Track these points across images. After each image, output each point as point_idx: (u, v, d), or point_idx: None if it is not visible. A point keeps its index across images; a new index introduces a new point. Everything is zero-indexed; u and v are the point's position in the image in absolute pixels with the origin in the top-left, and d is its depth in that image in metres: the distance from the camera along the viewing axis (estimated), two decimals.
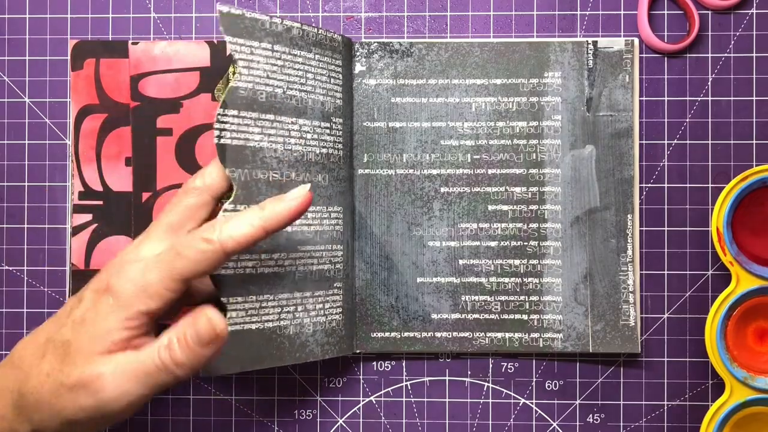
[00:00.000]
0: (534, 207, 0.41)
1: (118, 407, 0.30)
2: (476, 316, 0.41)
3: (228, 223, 0.32)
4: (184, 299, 0.36)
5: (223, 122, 0.35)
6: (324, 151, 0.39)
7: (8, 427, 0.32)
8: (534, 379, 0.42)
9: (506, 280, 0.41)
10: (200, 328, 0.31)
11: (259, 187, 0.36)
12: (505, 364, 0.42)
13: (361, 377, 0.42)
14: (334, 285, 0.39)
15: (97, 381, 0.30)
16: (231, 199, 0.35)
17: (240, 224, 0.32)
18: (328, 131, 0.39)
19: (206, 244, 0.31)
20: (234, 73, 0.36)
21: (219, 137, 0.35)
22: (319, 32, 0.39)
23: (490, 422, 0.42)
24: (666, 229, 0.42)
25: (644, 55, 0.42)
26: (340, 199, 0.40)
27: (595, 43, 0.41)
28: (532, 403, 0.42)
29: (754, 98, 0.42)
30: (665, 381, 0.42)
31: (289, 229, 0.37)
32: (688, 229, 0.42)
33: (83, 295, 0.32)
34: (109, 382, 0.30)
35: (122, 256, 0.33)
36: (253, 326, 0.36)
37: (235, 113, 0.35)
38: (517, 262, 0.42)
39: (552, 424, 0.42)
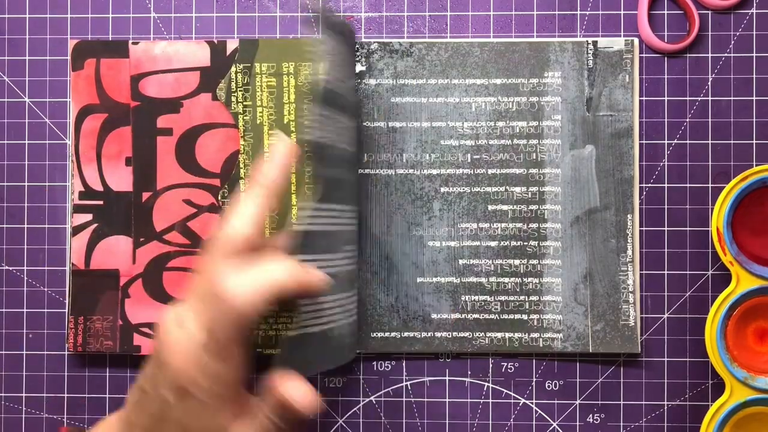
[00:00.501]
0: (534, 207, 0.42)
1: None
2: (476, 316, 0.41)
3: (252, 281, 0.31)
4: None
5: (310, 119, 0.34)
6: (354, 150, 0.39)
7: None
8: (534, 379, 0.42)
9: (506, 280, 0.41)
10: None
11: (336, 185, 0.36)
12: (505, 364, 0.42)
13: (361, 377, 0.42)
14: (355, 285, 0.39)
15: None
16: (319, 197, 0.34)
17: (265, 284, 0.31)
18: (355, 131, 0.39)
19: (233, 314, 0.30)
20: (238, 72, 0.36)
21: (305, 133, 0.34)
22: (352, 30, 0.39)
23: (490, 422, 0.42)
24: (666, 229, 0.42)
25: (644, 55, 0.42)
26: (356, 198, 0.40)
27: (595, 43, 0.41)
28: (532, 403, 0.42)
29: (754, 98, 0.42)
30: (665, 381, 0.42)
31: (339, 228, 0.36)
32: (688, 229, 0.42)
33: (164, 395, 0.31)
34: None
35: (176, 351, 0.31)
36: (315, 329, 0.35)
37: (319, 110, 0.34)
38: (517, 262, 0.42)
39: (552, 424, 0.42)
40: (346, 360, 0.38)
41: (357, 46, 0.41)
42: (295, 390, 0.31)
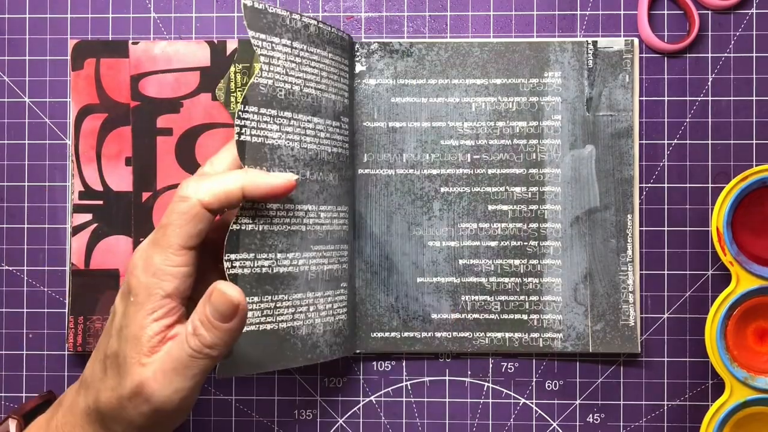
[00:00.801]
0: (534, 207, 0.42)
1: (172, 406, 0.31)
2: (476, 316, 0.41)
3: (208, 179, 0.32)
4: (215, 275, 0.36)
5: (243, 119, 0.35)
6: (335, 150, 0.39)
7: None
8: (534, 379, 0.42)
9: (506, 280, 0.41)
10: (216, 304, 0.30)
11: None
12: (505, 364, 0.42)
13: (361, 377, 0.42)
14: (341, 285, 0.39)
15: (144, 388, 0.30)
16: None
17: (219, 181, 0.32)
18: (338, 130, 0.39)
19: (183, 203, 0.32)
20: (237, 72, 0.36)
21: (239, 134, 0.35)
22: (332, 30, 0.39)
23: (490, 422, 0.42)
24: (666, 229, 0.42)
25: (644, 55, 0.42)
26: (346, 199, 0.40)
27: (595, 43, 0.41)
28: (532, 403, 0.42)
29: (754, 98, 0.42)
30: (665, 381, 0.42)
31: (303, 228, 0.37)
32: (688, 229, 0.42)
33: (116, 304, 0.33)
34: (154, 387, 0.30)
35: (134, 254, 0.33)
36: (269, 327, 0.36)
37: (255, 110, 0.35)
38: (517, 262, 0.42)
39: (552, 424, 0.42)
40: (322, 359, 0.38)
41: (357, 45, 0.41)
42: (225, 287, 0.31)
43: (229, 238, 0.34)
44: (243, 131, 0.35)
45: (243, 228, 0.35)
